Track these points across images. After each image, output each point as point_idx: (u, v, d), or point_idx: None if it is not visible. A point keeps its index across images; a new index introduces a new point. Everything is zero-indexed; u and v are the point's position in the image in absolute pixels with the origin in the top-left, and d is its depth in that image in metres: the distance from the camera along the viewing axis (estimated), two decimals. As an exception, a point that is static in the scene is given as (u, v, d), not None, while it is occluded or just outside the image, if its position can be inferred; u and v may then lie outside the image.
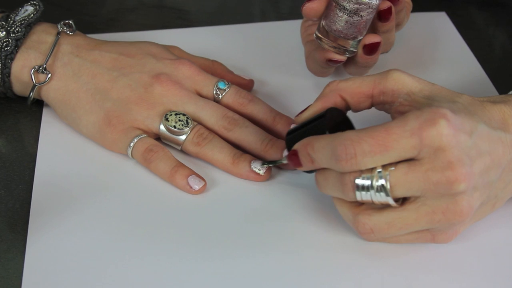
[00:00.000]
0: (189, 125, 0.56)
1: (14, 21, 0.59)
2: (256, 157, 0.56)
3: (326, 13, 0.56)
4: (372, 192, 0.45)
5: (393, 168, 0.45)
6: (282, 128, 0.58)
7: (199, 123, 0.57)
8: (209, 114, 0.57)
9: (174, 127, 0.56)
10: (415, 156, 0.44)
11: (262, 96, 0.62)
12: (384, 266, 0.49)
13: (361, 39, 0.57)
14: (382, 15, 0.57)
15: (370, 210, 0.47)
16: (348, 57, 0.58)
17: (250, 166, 0.55)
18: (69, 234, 0.51)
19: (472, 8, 0.76)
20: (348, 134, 0.45)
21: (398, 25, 0.61)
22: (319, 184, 0.49)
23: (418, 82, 0.49)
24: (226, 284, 0.48)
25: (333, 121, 0.49)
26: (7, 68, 0.58)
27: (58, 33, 0.60)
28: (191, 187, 0.54)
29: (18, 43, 0.58)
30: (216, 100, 0.59)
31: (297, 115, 0.53)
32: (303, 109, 0.52)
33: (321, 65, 0.60)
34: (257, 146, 0.56)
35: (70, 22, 0.61)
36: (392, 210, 0.46)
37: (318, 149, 0.47)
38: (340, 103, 0.51)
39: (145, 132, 0.57)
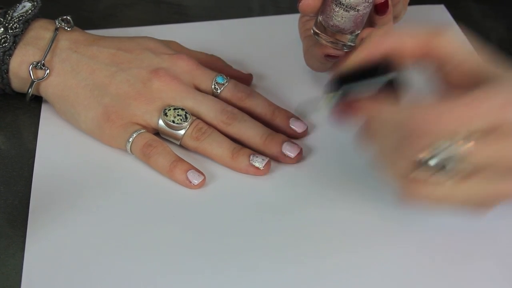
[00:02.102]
0: (187, 120, 0.56)
1: (12, 17, 0.59)
2: (255, 151, 0.56)
3: (323, 8, 0.56)
4: (438, 165, 0.42)
5: (469, 143, 0.42)
6: (281, 121, 0.58)
7: (198, 117, 0.57)
8: (208, 109, 0.57)
9: (173, 121, 0.56)
10: (492, 132, 0.42)
11: (261, 91, 0.62)
12: (387, 259, 0.49)
13: (358, 33, 0.57)
14: (379, 9, 0.57)
15: (427, 178, 0.43)
16: (346, 51, 0.58)
17: (249, 161, 0.55)
18: (68, 230, 0.51)
19: (470, 0, 0.75)
20: (424, 109, 0.42)
21: (395, 18, 0.60)
22: (374, 159, 0.46)
23: (471, 50, 0.46)
24: (227, 278, 0.48)
25: (389, 79, 0.46)
26: (5, 64, 0.58)
27: (56, 29, 0.60)
28: (190, 182, 0.54)
29: (16, 39, 0.58)
30: (215, 95, 0.59)
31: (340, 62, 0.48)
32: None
33: (320, 61, 0.59)
34: (256, 140, 0.56)
35: (68, 17, 0.60)
36: (450, 182, 0.44)
37: (383, 121, 0.44)
38: (386, 56, 0.46)
39: (144, 127, 0.57)
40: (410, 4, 0.63)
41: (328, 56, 0.58)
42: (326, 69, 0.62)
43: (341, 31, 0.56)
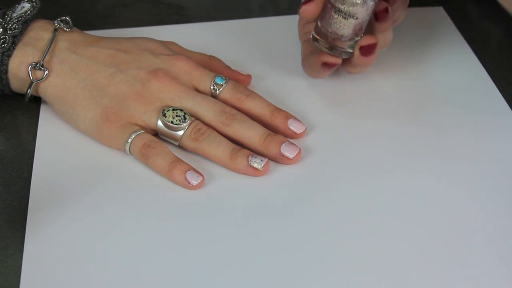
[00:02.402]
0: (186, 121, 0.56)
1: (11, 18, 0.59)
2: (254, 152, 0.56)
3: (322, 14, 0.56)
4: None
5: None
6: (280, 122, 0.58)
7: (197, 118, 0.57)
8: (207, 110, 0.57)
9: (172, 122, 0.56)
10: None
11: (260, 91, 0.62)
12: (386, 259, 0.49)
13: (358, 40, 0.57)
14: (379, 16, 0.57)
15: None
16: (344, 59, 0.58)
17: (248, 161, 0.55)
18: (67, 230, 0.51)
19: (469, 2, 0.76)
20: None
21: (394, 22, 0.60)
22: None
23: None
24: (226, 278, 0.48)
25: None
26: (4, 65, 0.58)
27: (55, 30, 0.60)
28: (189, 183, 0.54)
29: (15, 40, 0.58)
30: (214, 96, 0.59)
31: None
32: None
33: (317, 69, 0.60)
34: (255, 141, 0.56)
35: (67, 18, 0.61)
36: None
37: None
38: None
39: (142, 128, 0.57)
40: (409, 6, 0.64)
41: (325, 64, 0.58)
42: (324, 76, 0.62)
43: (340, 38, 0.56)
